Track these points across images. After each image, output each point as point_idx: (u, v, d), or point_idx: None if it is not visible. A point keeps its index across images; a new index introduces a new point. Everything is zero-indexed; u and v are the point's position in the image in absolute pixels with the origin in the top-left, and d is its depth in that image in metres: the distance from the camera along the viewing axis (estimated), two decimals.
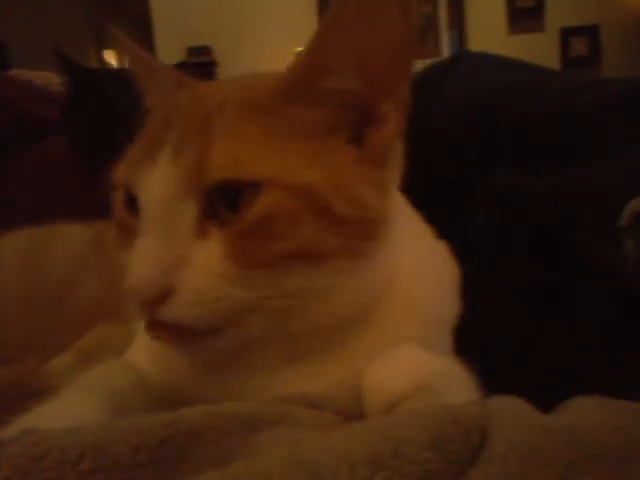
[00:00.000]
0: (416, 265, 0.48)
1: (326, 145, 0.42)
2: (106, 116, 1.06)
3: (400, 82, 0.43)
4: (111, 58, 3.65)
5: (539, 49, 3.36)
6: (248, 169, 0.38)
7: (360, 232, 0.41)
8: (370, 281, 0.43)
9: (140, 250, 0.39)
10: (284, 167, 0.39)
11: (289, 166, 0.39)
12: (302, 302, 0.41)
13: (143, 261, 0.38)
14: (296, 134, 0.41)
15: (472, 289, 0.51)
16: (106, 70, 2.57)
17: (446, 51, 3.46)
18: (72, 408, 0.41)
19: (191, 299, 0.38)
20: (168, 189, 0.38)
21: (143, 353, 0.51)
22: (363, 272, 0.42)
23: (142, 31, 3.42)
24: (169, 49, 3.36)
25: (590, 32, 3.43)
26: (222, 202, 0.38)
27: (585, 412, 0.32)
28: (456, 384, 0.39)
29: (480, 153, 0.87)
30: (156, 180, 0.39)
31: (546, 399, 0.36)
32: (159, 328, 0.39)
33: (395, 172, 0.47)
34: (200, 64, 3.13)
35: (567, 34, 3.44)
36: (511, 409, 0.33)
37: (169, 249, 0.38)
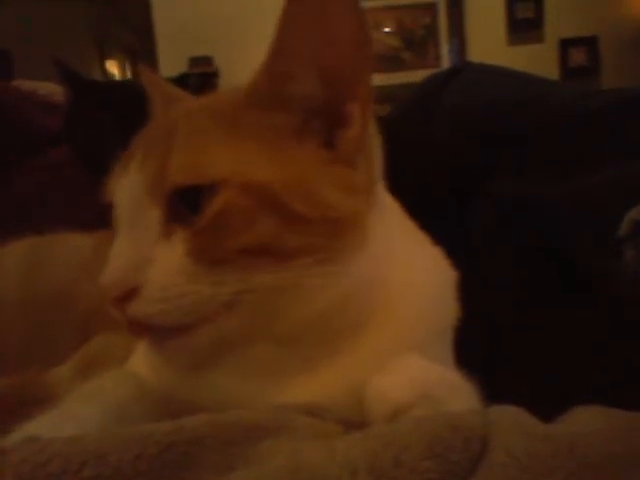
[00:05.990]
0: (411, 271, 0.49)
1: (291, 148, 0.43)
2: (107, 126, 1.06)
3: (360, 82, 0.44)
4: (113, 68, 3.67)
5: (538, 60, 3.38)
6: (204, 172, 0.40)
7: (325, 231, 0.42)
8: (353, 285, 0.43)
9: (112, 252, 0.41)
10: (240, 168, 0.41)
11: (246, 167, 0.41)
12: (277, 301, 0.41)
13: (112, 261, 0.41)
14: (257, 138, 0.42)
15: (472, 294, 0.51)
16: (106, 81, 2.59)
17: (446, 62, 3.48)
18: (74, 417, 0.41)
19: (156, 296, 0.40)
20: (134, 195, 0.42)
21: (142, 360, 0.51)
22: (343, 274, 0.42)
23: (144, 41, 3.44)
24: (171, 59, 3.37)
25: (589, 43, 3.45)
26: (185, 204, 0.40)
27: (585, 421, 0.32)
28: (457, 393, 0.39)
29: (480, 162, 0.87)
30: (125, 187, 0.42)
31: (546, 408, 0.36)
32: (134, 326, 0.42)
33: (372, 174, 0.47)
34: (202, 74, 3.15)
35: (566, 45, 3.46)
36: (511, 418, 0.33)
37: (135, 249, 0.41)
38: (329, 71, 0.43)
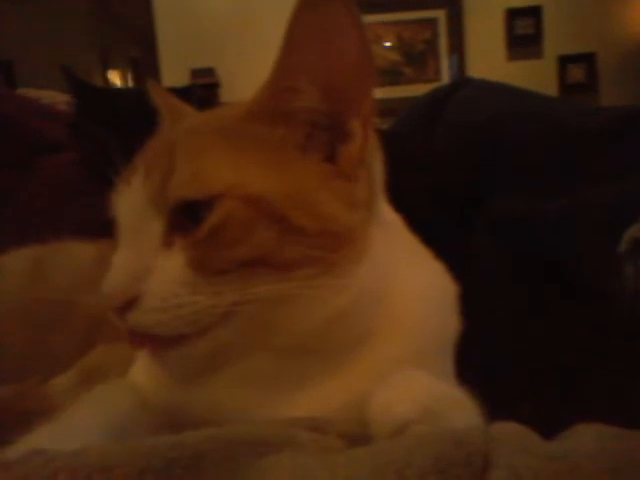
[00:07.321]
0: (412, 285, 0.49)
1: (293, 161, 0.43)
2: (111, 133, 1.07)
3: (362, 98, 0.44)
4: (115, 79, 3.69)
5: (537, 75, 3.41)
6: (206, 185, 0.41)
7: (324, 244, 0.42)
8: (352, 298, 0.44)
9: (113, 262, 0.42)
10: (240, 180, 0.41)
11: (245, 179, 0.41)
12: (275, 312, 0.42)
13: (114, 271, 0.41)
14: (260, 151, 0.43)
15: (473, 309, 0.51)
16: (112, 89, 2.60)
17: (445, 76, 3.51)
18: (75, 428, 0.41)
19: (155, 305, 0.40)
20: (137, 207, 0.43)
21: (142, 371, 0.51)
22: (344, 287, 0.43)
23: (147, 52, 3.47)
24: (173, 70, 3.40)
25: (587, 59, 3.48)
26: (187, 215, 0.41)
27: (587, 440, 0.32)
28: (460, 409, 0.39)
29: (480, 178, 0.88)
30: (128, 200, 0.44)
31: (547, 421, 0.36)
32: (134, 335, 0.42)
33: (372, 188, 0.47)
34: (204, 86, 3.16)
35: (565, 61, 3.49)
36: (515, 436, 0.33)
37: (137, 259, 0.41)
38: (332, 87, 0.44)
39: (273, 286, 0.40)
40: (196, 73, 3.37)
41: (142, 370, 0.52)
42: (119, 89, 2.82)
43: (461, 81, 1.20)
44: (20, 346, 0.67)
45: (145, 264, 0.41)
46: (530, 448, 0.31)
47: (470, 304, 0.52)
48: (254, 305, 0.41)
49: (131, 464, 0.29)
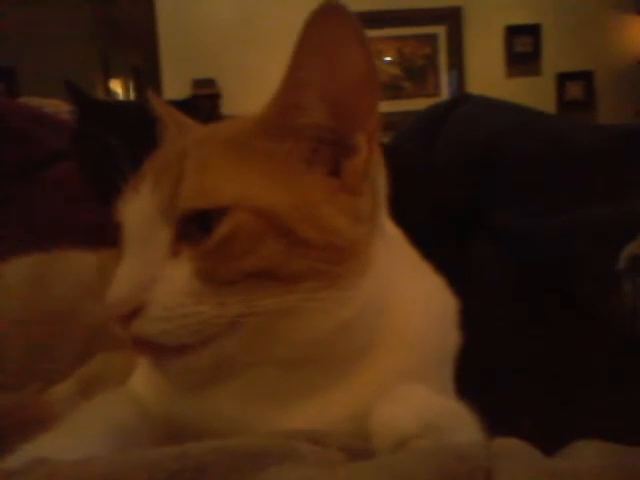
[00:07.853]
0: (413, 300, 0.49)
1: (299, 175, 0.44)
2: (112, 146, 1.07)
3: (368, 113, 0.45)
4: (117, 87, 3.72)
5: (536, 92, 3.44)
6: (215, 197, 0.41)
7: (329, 257, 0.42)
8: (354, 311, 0.44)
9: (119, 270, 0.42)
10: (249, 193, 0.42)
11: (254, 192, 0.42)
12: (279, 324, 0.42)
13: (119, 280, 0.41)
14: (267, 165, 0.44)
15: (473, 320, 0.51)
16: (114, 101, 2.61)
17: (445, 91, 3.54)
18: (77, 438, 0.41)
19: (160, 314, 0.40)
20: (145, 215, 0.43)
21: (142, 381, 0.51)
22: (348, 300, 0.43)
23: (149, 62, 3.49)
24: (175, 80, 3.41)
25: (585, 77, 3.52)
26: (196, 225, 0.41)
27: (588, 457, 0.33)
28: (461, 424, 0.40)
29: (480, 193, 0.89)
30: (136, 208, 0.44)
31: (547, 440, 0.36)
32: (137, 344, 0.42)
33: (376, 203, 0.48)
34: (204, 96, 3.18)
35: (563, 79, 3.53)
36: (516, 451, 0.33)
37: (143, 268, 0.41)
38: (338, 103, 0.44)
39: (278, 298, 0.41)
40: (197, 83, 3.39)
41: (142, 380, 0.52)
42: (121, 102, 2.84)
43: (461, 97, 1.22)
44: (20, 354, 0.67)
45: (151, 273, 0.41)
46: (532, 464, 0.31)
47: (469, 317, 0.52)
48: (259, 316, 0.41)
49: (134, 476, 0.29)
